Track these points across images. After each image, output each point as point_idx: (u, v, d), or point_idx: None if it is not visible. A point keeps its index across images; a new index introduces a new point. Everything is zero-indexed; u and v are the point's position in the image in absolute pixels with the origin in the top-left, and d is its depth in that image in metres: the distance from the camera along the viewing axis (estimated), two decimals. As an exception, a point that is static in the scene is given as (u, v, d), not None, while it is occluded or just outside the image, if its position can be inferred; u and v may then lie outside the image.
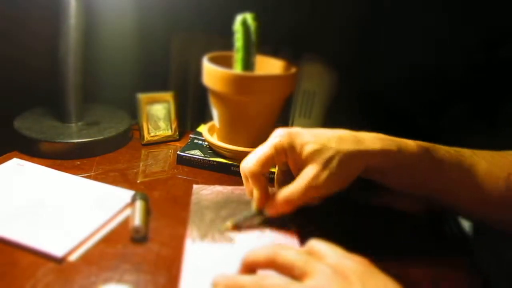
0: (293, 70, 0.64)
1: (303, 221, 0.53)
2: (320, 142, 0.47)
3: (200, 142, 0.72)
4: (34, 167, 0.60)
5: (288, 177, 0.52)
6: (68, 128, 0.68)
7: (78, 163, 0.64)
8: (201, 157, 0.66)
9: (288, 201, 0.48)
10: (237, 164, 0.65)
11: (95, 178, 0.60)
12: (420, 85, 0.77)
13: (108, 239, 0.48)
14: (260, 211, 0.51)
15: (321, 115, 0.81)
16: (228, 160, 0.66)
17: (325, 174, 0.46)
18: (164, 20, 0.80)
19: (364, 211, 0.58)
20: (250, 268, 0.37)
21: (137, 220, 0.48)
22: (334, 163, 0.46)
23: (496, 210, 0.51)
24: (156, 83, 0.78)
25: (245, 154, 0.65)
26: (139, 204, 0.51)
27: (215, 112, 0.66)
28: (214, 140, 0.68)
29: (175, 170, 0.65)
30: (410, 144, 0.48)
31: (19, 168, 0.60)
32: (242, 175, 0.51)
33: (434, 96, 0.77)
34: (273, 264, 0.36)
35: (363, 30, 0.77)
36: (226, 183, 0.63)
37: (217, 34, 0.75)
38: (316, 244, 0.37)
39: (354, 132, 0.49)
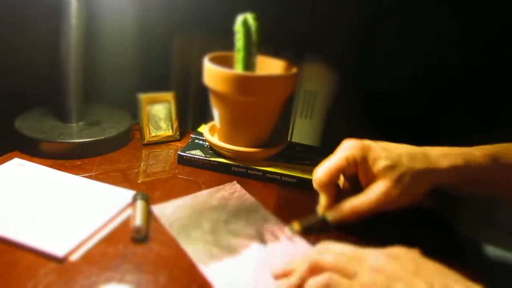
0: (294, 70, 0.64)
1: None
2: (392, 158, 0.48)
3: (201, 142, 0.72)
4: (35, 167, 0.60)
5: (354, 186, 0.53)
6: (69, 128, 0.68)
7: (79, 163, 0.64)
8: (202, 157, 0.66)
9: (355, 211, 0.49)
10: (238, 164, 0.65)
11: (96, 178, 0.60)
12: (421, 85, 0.77)
13: (109, 239, 0.48)
14: (325, 214, 0.52)
15: (322, 115, 0.81)
16: (229, 160, 0.66)
17: (396, 191, 0.48)
18: (165, 20, 0.80)
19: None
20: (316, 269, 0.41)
21: (138, 220, 0.48)
22: (405, 181, 0.47)
23: None
24: (157, 83, 0.79)
25: (245, 154, 0.65)
26: (140, 204, 0.51)
27: (216, 112, 0.66)
28: (215, 140, 0.68)
29: (176, 170, 0.65)
30: (477, 155, 0.49)
31: (20, 168, 0.60)
32: (313, 180, 0.52)
33: (435, 96, 0.77)
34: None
35: (364, 30, 0.77)
36: (226, 183, 0.63)
37: (218, 34, 0.75)
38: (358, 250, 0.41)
39: (422, 148, 0.50)
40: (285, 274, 0.43)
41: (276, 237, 0.51)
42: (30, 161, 0.62)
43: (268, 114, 0.66)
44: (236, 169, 0.65)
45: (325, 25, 0.76)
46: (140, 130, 0.73)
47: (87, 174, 0.61)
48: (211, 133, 0.70)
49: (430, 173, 0.48)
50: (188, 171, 0.66)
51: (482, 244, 0.65)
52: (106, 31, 0.80)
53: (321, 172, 0.50)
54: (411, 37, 0.74)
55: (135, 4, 0.80)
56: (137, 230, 0.48)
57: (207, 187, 0.61)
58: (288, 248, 0.49)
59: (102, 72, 0.81)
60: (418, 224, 0.60)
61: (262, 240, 0.50)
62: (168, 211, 0.53)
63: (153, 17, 0.81)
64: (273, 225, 0.53)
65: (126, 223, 0.51)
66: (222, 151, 0.67)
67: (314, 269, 0.41)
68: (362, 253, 0.41)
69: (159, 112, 0.74)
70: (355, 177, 0.51)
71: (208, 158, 0.66)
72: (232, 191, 0.60)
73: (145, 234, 0.48)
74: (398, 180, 0.47)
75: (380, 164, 0.48)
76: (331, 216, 0.52)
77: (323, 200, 0.52)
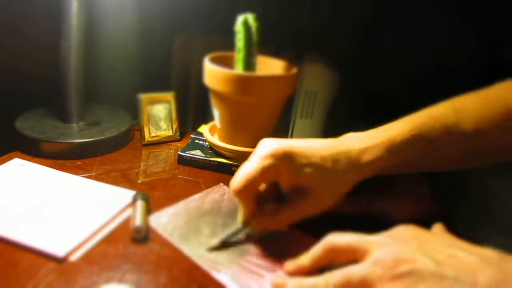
0: (295, 70, 0.64)
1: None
2: (316, 163, 0.46)
3: (201, 142, 0.72)
4: (36, 167, 0.60)
5: (274, 190, 0.51)
6: (69, 128, 0.68)
7: (79, 163, 0.64)
8: (202, 157, 0.66)
9: (281, 223, 0.48)
10: (238, 164, 0.65)
11: (96, 178, 0.60)
12: (421, 85, 0.77)
13: (109, 239, 0.48)
14: (245, 225, 0.49)
15: (323, 116, 0.81)
16: (229, 160, 0.66)
17: (322, 197, 0.47)
18: (165, 20, 0.80)
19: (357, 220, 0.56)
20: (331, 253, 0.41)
21: (138, 220, 0.48)
22: (331, 184, 0.47)
23: (493, 151, 0.52)
24: (157, 83, 0.78)
25: (246, 154, 0.65)
26: (140, 204, 0.51)
27: (216, 113, 0.66)
28: (215, 140, 0.68)
29: (176, 170, 0.65)
30: (397, 140, 0.47)
31: (20, 168, 0.60)
32: (231, 190, 0.49)
33: (435, 96, 0.77)
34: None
35: (364, 31, 0.77)
36: (227, 183, 0.63)
37: (219, 34, 0.75)
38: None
39: (344, 144, 0.48)
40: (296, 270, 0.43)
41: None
42: (31, 161, 0.62)
43: (268, 114, 0.66)
44: (236, 169, 0.65)
45: (325, 25, 0.76)
46: (140, 130, 0.73)
47: (87, 174, 0.61)
48: (211, 133, 0.70)
49: (354, 171, 0.47)
50: (188, 171, 0.66)
51: (482, 243, 0.65)
52: (106, 31, 0.80)
53: (236, 181, 0.46)
54: (411, 38, 0.74)
55: (135, 4, 0.80)
56: (137, 230, 0.48)
57: (207, 187, 0.61)
58: (294, 243, 0.50)
59: (102, 72, 0.81)
60: (417, 224, 0.59)
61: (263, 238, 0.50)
62: (164, 221, 0.51)
63: (154, 17, 0.81)
64: None
65: (126, 223, 0.51)
66: (222, 151, 0.67)
67: (329, 250, 0.40)
68: (369, 237, 0.40)
69: (159, 112, 0.74)
70: (275, 181, 0.49)
71: (208, 158, 0.66)
72: (222, 193, 0.59)
73: (145, 234, 0.48)
74: (326, 186, 0.46)
75: (303, 173, 0.46)
76: (254, 227, 0.49)
77: (243, 209, 0.49)
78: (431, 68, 0.75)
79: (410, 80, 0.76)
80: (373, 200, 0.57)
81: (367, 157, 0.47)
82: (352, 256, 0.39)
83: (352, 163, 0.47)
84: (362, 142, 0.48)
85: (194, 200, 0.57)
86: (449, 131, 0.49)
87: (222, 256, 0.46)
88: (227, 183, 0.63)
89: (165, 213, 0.53)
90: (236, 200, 0.55)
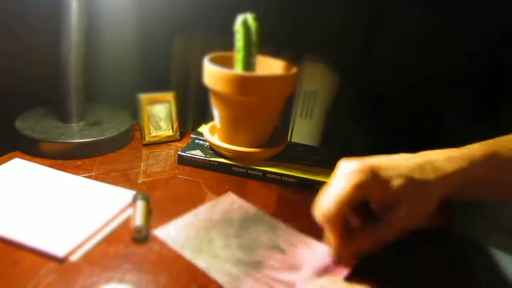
0: (294, 70, 0.64)
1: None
2: (404, 175, 0.44)
3: (201, 142, 0.72)
4: (36, 167, 0.60)
5: (360, 214, 0.48)
6: (69, 128, 0.68)
7: (80, 163, 0.64)
8: (202, 157, 0.66)
9: (379, 242, 0.45)
10: (238, 164, 0.65)
11: (97, 178, 0.60)
12: (421, 86, 0.77)
13: (110, 239, 0.48)
14: (338, 255, 0.46)
15: (322, 116, 0.81)
16: (229, 160, 0.66)
17: (418, 210, 0.45)
18: (165, 20, 0.80)
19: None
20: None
21: (138, 220, 0.48)
22: (423, 196, 0.45)
23: None
24: (157, 84, 0.79)
25: (246, 154, 0.65)
26: (140, 204, 0.51)
27: (216, 112, 0.66)
28: (215, 140, 0.68)
29: (176, 170, 0.66)
30: (477, 154, 0.47)
31: (21, 168, 0.60)
32: (319, 220, 0.45)
33: (435, 96, 0.77)
34: None
35: (364, 31, 0.77)
36: (226, 183, 0.63)
37: (218, 34, 0.75)
38: None
39: (425, 155, 0.47)
40: None
41: (291, 244, 0.50)
42: (31, 161, 0.62)
43: (268, 114, 0.66)
44: (236, 169, 0.66)
45: (325, 25, 0.76)
46: (141, 130, 0.73)
47: (87, 174, 0.61)
48: (211, 133, 0.71)
49: (441, 181, 0.45)
50: (188, 171, 0.66)
51: (483, 245, 0.65)
52: (106, 31, 0.80)
53: (330, 204, 0.43)
54: (411, 38, 0.74)
55: (135, 5, 0.80)
56: (138, 230, 0.48)
57: (207, 187, 0.61)
58: (309, 253, 0.48)
59: (102, 72, 0.81)
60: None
61: (279, 249, 0.49)
62: (173, 233, 0.50)
63: (153, 18, 0.81)
64: (283, 232, 0.52)
65: (126, 223, 0.51)
66: (222, 151, 0.67)
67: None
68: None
69: (159, 112, 0.74)
70: (360, 204, 0.47)
71: (208, 158, 0.66)
72: (231, 203, 0.58)
73: (145, 234, 0.48)
74: (418, 198, 0.44)
75: (395, 185, 0.43)
76: (347, 252, 0.46)
77: (334, 240, 0.45)
78: (430, 68, 0.75)
79: (410, 80, 0.76)
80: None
81: (452, 166, 0.46)
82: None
83: (438, 171, 0.45)
84: (445, 154, 0.47)
85: (202, 212, 0.55)
86: None
87: (238, 269, 0.45)
88: (227, 183, 0.63)
89: (173, 226, 0.51)
90: (246, 210, 0.54)
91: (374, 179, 0.43)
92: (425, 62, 0.75)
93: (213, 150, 0.69)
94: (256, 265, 0.46)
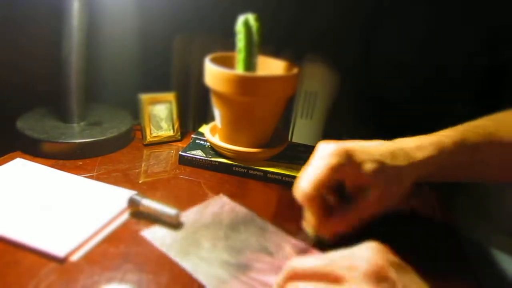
0: (295, 70, 0.64)
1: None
2: (377, 160, 0.46)
3: (202, 142, 0.72)
4: (37, 167, 0.60)
5: (336, 195, 0.50)
6: (70, 128, 0.68)
7: (80, 163, 0.64)
8: (203, 158, 0.67)
9: (351, 222, 0.47)
10: (239, 164, 0.65)
11: (97, 178, 0.60)
12: (421, 86, 0.77)
13: (111, 239, 0.48)
14: (316, 233, 0.48)
15: (323, 116, 0.81)
16: (230, 161, 0.66)
17: (388, 193, 0.47)
18: (166, 20, 0.81)
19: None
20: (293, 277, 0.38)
21: (171, 210, 0.51)
22: (394, 181, 0.47)
23: None
24: (158, 84, 0.79)
25: (246, 154, 0.65)
26: (147, 201, 0.52)
27: (217, 113, 0.66)
28: (216, 140, 0.68)
29: (177, 170, 0.66)
30: (446, 141, 0.49)
31: (22, 168, 0.60)
32: (297, 198, 0.47)
33: (435, 97, 0.77)
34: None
35: (364, 31, 0.77)
36: (227, 183, 0.63)
37: (219, 34, 0.75)
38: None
39: (397, 143, 0.49)
40: None
41: (280, 247, 0.49)
42: (32, 161, 0.62)
43: (269, 115, 0.66)
44: (237, 169, 0.66)
45: (325, 25, 0.76)
46: (141, 130, 0.73)
47: (88, 174, 0.61)
48: (212, 133, 0.71)
49: (411, 167, 0.47)
50: (189, 171, 0.66)
51: (483, 245, 0.65)
52: (107, 31, 0.80)
53: (307, 184, 0.45)
54: (411, 38, 0.74)
55: (136, 5, 0.80)
56: (176, 217, 0.50)
57: (208, 187, 0.61)
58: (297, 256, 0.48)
59: (103, 73, 0.82)
60: (418, 225, 0.60)
61: (267, 251, 0.49)
62: (160, 234, 0.49)
63: (154, 18, 0.81)
64: (273, 235, 0.52)
65: (127, 223, 0.51)
66: (223, 151, 0.67)
67: (292, 277, 0.37)
68: (336, 261, 0.37)
69: (160, 112, 0.74)
70: (336, 185, 0.49)
71: (209, 158, 0.66)
72: (221, 205, 0.57)
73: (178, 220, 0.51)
74: (388, 182, 0.46)
75: (367, 168, 0.46)
76: (325, 232, 0.48)
77: (311, 216, 0.48)
78: (430, 68, 0.75)
79: (410, 80, 0.77)
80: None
81: (421, 153, 0.48)
82: (324, 279, 0.36)
83: (408, 158, 0.47)
84: (415, 142, 0.49)
85: (192, 213, 0.54)
86: (490, 138, 0.51)
87: (224, 271, 0.45)
88: (227, 183, 0.63)
89: (160, 227, 0.51)
90: (236, 212, 0.54)
91: (348, 161, 0.45)
92: (425, 62, 0.75)
93: (214, 150, 0.69)
94: (243, 268, 0.45)
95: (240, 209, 0.56)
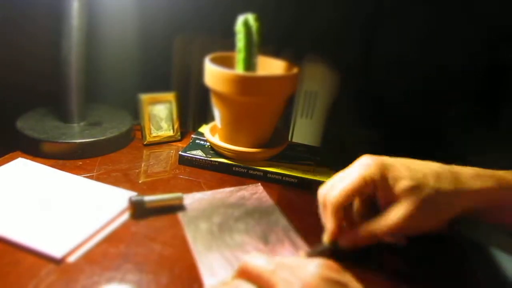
0: (295, 70, 0.64)
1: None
2: (417, 178, 0.44)
3: (202, 142, 0.72)
4: (38, 167, 0.60)
5: (367, 208, 0.49)
6: (70, 128, 0.68)
7: (80, 163, 0.64)
8: (203, 157, 0.67)
9: (373, 236, 0.45)
10: (239, 164, 0.65)
11: (97, 178, 0.60)
12: (421, 85, 0.77)
13: (110, 239, 0.48)
14: (332, 243, 0.47)
15: (323, 116, 0.81)
16: (230, 160, 0.66)
17: (419, 214, 0.43)
18: (166, 20, 0.81)
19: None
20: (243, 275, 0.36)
21: (174, 195, 0.55)
22: (431, 203, 0.43)
23: None
24: (158, 84, 0.79)
25: (246, 154, 0.65)
26: (150, 197, 0.53)
27: (216, 113, 0.66)
28: (216, 140, 0.68)
29: (177, 170, 0.66)
30: (509, 178, 0.45)
31: (23, 168, 0.60)
32: (320, 202, 0.47)
33: (435, 96, 0.77)
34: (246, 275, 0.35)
35: (364, 30, 0.77)
36: (227, 183, 0.63)
37: (219, 34, 0.75)
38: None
39: (451, 167, 0.46)
40: None
41: (279, 240, 0.50)
42: (32, 161, 0.62)
43: (269, 114, 0.66)
44: (237, 169, 0.66)
45: (325, 25, 0.76)
46: (141, 130, 0.73)
47: (88, 174, 0.61)
48: (212, 133, 0.71)
49: (460, 194, 0.43)
50: (189, 171, 0.66)
51: (483, 245, 0.65)
52: (107, 31, 0.80)
53: (338, 193, 0.44)
54: (411, 38, 0.74)
55: (136, 5, 0.80)
56: (180, 198, 0.55)
57: (208, 187, 0.61)
58: (290, 252, 0.49)
59: (103, 73, 0.82)
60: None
61: (265, 241, 0.50)
62: (185, 203, 0.55)
63: (154, 18, 0.81)
64: (281, 229, 0.53)
65: (127, 223, 0.51)
66: (223, 151, 0.67)
67: (241, 273, 0.36)
68: (299, 263, 0.35)
69: (160, 113, 0.74)
70: (369, 198, 0.48)
71: (209, 158, 0.66)
72: (253, 192, 0.61)
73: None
74: (423, 202, 0.43)
75: (402, 184, 0.43)
76: (343, 242, 0.47)
77: (332, 225, 0.46)
78: (431, 68, 0.75)
79: (410, 80, 0.76)
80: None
81: (478, 183, 0.44)
82: (259, 283, 0.34)
83: (459, 184, 0.44)
84: (472, 169, 0.45)
85: (224, 192, 0.60)
86: None
87: (215, 242, 0.49)
88: (227, 183, 0.63)
89: (190, 197, 0.57)
90: (262, 201, 0.56)
91: (381, 175, 0.44)
92: (425, 62, 0.75)
93: (214, 150, 0.69)
94: (233, 246, 0.48)
95: (267, 200, 0.59)
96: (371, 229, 0.45)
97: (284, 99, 0.65)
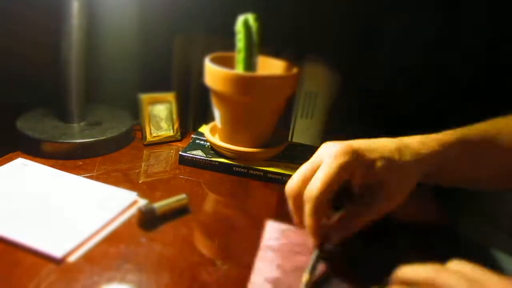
0: (295, 70, 0.64)
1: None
2: (386, 156, 0.46)
3: (202, 142, 0.72)
4: (38, 167, 0.60)
5: (338, 196, 0.48)
6: (70, 128, 0.68)
7: (80, 163, 0.64)
8: (203, 158, 0.67)
9: (363, 223, 0.46)
10: (239, 164, 0.65)
11: (97, 178, 0.60)
12: (421, 86, 0.77)
13: (111, 239, 0.48)
14: (321, 248, 0.46)
15: (323, 116, 0.81)
16: (230, 161, 0.66)
17: (400, 190, 0.46)
18: (166, 20, 0.81)
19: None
20: (403, 283, 0.35)
21: (177, 199, 0.54)
22: (402, 177, 0.46)
23: None
24: (158, 84, 0.79)
25: (246, 154, 0.65)
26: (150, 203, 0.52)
27: (217, 113, 0.66)
28: (216, 140, 0.68)
29: (177, 170, 0.66)
30: (448, 139, 0.49)
31: (23, 168, 0.60)
32: (292, 197, 0.46)
33: (435, 97, 0.77)
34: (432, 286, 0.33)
35: (364, 30, 0.77)
36: (227, 183, 0.63)
37: (219, 34, 0.75)
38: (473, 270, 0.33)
39: (400, 139, 0.48)
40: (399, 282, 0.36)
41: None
42: (32, 161, 0.62)
43: (269, 114, 0.66)
44: (237, 169, 0.66)
45: (325, 25, 0.76)
46: (141, 130, 0.73)
47: (88, 174, 0.61)
48: (212, 133, 0.71)
49: (417, 163, 0.47)
50: (189, 171, 0.66)
51: (483, 245, 0.65)
52: (107, 31, 0.80)
53: (319, 186, 0.42)
54: (411, 38, 0.74)
55: (136, 5, 0.80)
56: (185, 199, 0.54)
57: (208, 187, 0.61)
58: None
59: (103, 73, 0.81)
60: (418, 225, 0.60)
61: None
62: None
63: (154, 18, 0.81)
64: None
65: (127, 223, 0.51)
66: (223, 151, 0.67)
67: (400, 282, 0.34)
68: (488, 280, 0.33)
69: (160, 113, 0.74)
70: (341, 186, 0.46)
71: (209, 158, 0.66)
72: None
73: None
74: (399, 178, 0.46)
75: (378, 166, 0.45)
76: (335, 239, 0.47)
77: (314, 222, 0.43)
78: (430, 68, 0.75)
79: (410, 80, 0.77)
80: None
81: (425, 149, 0.47)
82: None
83: (414, 154, 0.47)
84: (418, 138, 0.49)
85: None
86: (488, 140, 0.51)
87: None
88: (227, 183, 0.63)
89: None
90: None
91: (358, 160, 0.44)
92: (425, 62, 0.75)
93: (214, 150, 0.69)
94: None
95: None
96: (363, 218, 0.46)
97: (284, 99, 0.65)
